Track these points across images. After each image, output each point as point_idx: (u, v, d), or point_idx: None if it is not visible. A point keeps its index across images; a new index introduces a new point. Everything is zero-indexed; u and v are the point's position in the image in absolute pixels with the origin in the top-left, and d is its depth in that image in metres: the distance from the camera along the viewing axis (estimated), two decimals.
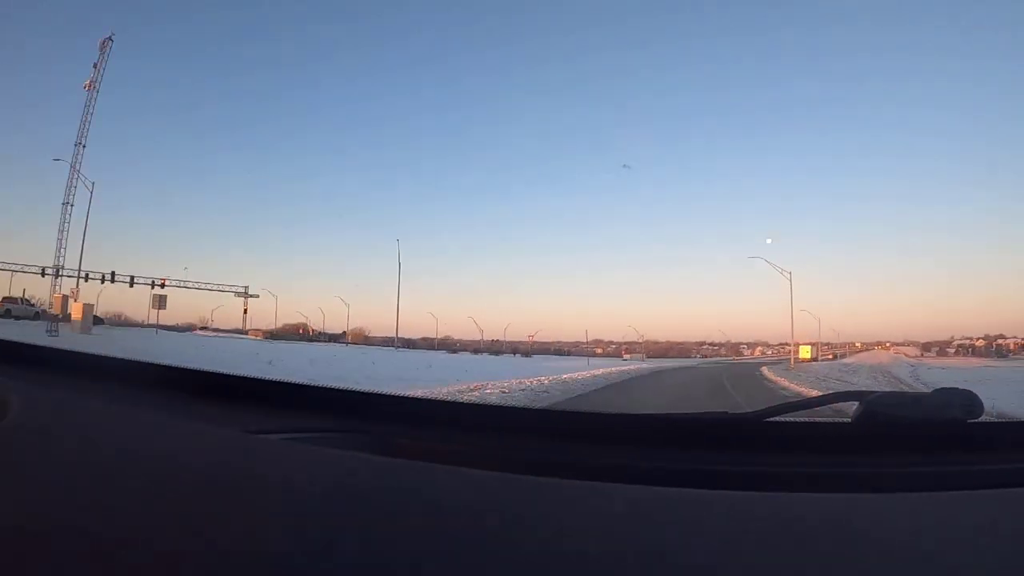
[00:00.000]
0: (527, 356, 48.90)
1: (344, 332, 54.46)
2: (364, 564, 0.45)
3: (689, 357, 68.88)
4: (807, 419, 0.90)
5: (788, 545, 0.48)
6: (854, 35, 74.49)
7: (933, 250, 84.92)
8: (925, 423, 0.78)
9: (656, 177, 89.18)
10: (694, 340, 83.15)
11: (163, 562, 0.43)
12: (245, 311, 54.44)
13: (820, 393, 1.04)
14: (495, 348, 56.34)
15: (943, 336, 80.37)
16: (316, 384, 0.98)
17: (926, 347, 75.67)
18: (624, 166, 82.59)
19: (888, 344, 74.45)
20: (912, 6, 70.87)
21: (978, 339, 77.59)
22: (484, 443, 0.81)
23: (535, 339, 65.19)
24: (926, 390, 0.84)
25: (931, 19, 69.70)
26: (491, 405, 1.02)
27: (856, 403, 0.81)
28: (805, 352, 50.67)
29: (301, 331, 54.11)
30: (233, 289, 54.06)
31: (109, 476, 0.55)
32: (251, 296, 54.81)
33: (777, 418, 0.87)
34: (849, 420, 0.82)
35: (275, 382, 0.98)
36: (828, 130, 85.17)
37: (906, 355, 59.37)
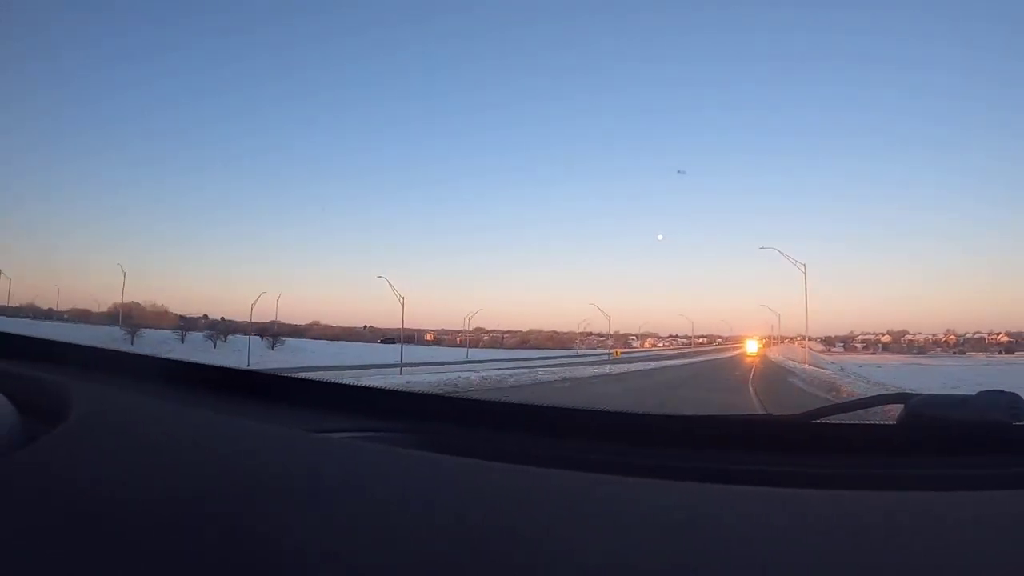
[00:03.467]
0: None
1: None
2: (428, 559, 0.44)
3: (570, 349, 55.61)
4: (853, 421, 0.92)
5: (841, 539, 0.49)
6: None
7: (830, 246, 79.42)
8: (970, 425, 0.79)
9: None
10: (576, 330, 70.59)
11: (231, 559, 0.43)
12: None
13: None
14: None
15: (841, 331, 74.04)
16: (373, 386, 1.09)
17: (828, 342, 69.13)
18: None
19: (796, 338, 66.42)
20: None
21: (883, 335, 71.64)
22: (540, 442, 0.84)
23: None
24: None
25: None
26: (545, 406, 1.03)
27: (901, 405, 0.84)
28: (752, 348, 41.18)
29: None
30: None
31: (174, 475, 0.56)
32: None
33: (824, 420, 0.90)
34: (894, 422, 0.84)
35: (333, 383, 1.09)
36: (727, 124, 76.33)
37: (812, 350, 51.28)
